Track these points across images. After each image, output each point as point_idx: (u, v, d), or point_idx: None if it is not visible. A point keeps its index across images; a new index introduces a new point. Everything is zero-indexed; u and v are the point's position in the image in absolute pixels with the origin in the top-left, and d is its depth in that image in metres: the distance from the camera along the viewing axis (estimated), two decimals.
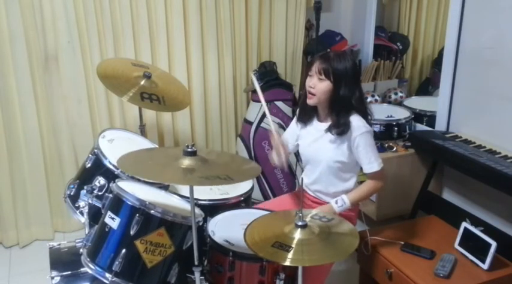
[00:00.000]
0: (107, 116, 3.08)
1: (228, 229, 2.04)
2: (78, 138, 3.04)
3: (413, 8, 3.74)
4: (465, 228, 2.19)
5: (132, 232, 1.79)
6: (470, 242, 2.15)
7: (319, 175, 2.18)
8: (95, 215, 2.10)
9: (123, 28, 2.98)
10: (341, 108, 2.08)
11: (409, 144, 2.97)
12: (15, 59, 2.78)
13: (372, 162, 2.08)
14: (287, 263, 1.57)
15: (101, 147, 2.25)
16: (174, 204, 2.05)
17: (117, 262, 1.78)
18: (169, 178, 1.79)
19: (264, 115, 3.30)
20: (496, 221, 2.60)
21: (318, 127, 2.17)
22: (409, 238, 2.30)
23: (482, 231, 2.12)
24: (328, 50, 3.37)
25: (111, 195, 1.92)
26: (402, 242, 2.25)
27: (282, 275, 1.86)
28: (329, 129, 2.10)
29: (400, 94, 3.56)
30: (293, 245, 1.62)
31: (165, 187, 2.23)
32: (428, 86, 3.67)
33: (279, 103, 3.31)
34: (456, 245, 2.21)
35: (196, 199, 2.15)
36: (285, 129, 3.27)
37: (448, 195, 2.94)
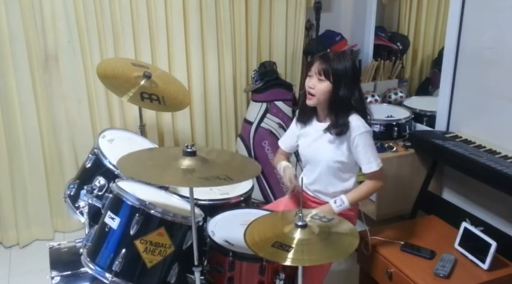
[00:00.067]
0: (107, 116, 3.08)
1: (228, 229, 2.04)
2: (78, 138, 3.04)
3: (413, 8, 3.74)
4: (465, 228, 2.19)
5: (132, 232, 1.79)
6: (470, 242, 2.15)
7: (319, 175, 2.18)
8: (95, 216, 2.10)
9: (123, 28, 2.98)
10: (340, 108, 2.08)
11: (409, 144, 2.97)
12: (15, 59, 2.79)
13: (371, 162, 2.08)
14: (287, 263, 1.57)
15: (101, 147, 2.25)
16: (174, 204, 2.05)
17: (117, 262, 1.78)
18: (169, 180, 1.79)
19: (264, 115, 3.30)
20: (496, 221, 2.60)
21: (317, 128, 2.17)
22: (409, 238, 2.30)
23: (482, 231, 2.12)
24: (328, 50, 3.37)
25: (111, 195, 1.92)
26: (402, 242, 2.25)
27: (282, 275, 1.86)
28: (328, 129, 2.10)
29: (400, 94, 3.56)
30: (293, 245, 1.62)
31: (165, 187, 2.23)
32: (428, 86, 3.67)
33: (279, 103, 3.31)
34: (456, 245, 2.21)
35: (196, 199, 2.15)
36: (284, 129, 3.29)
37: (448, 195, 2.94)
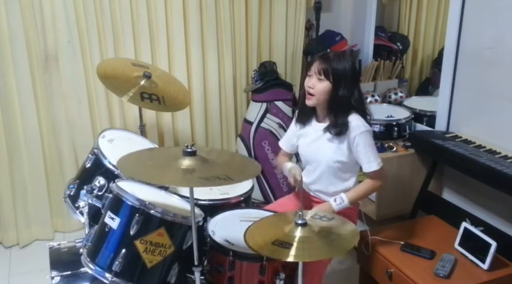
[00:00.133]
0: (107, 116, 3.08)
1: (228, 229, 2.04)
2: (78, 138, 3.04)
3: (413, 8, 3.74)
4: (465, 228, 2.19)
5: (132, 232, 1.79)
6: (470, 242, 2.15)
7: (319, 175, 2.19)
8: (94, 216, 2.10)
9: (123, 28, 2.98)
10: (340, 108, 2.08)
11: (409, 144, 2.97)
12: (15, 59, 2.79)
13: (371, 161, 2.08)
14: (289, 259, 1.57)
15: (101, 147, 2.25)
16: (174, 204, 2.05)
17: (117, 262, 1.78)
18: (169, 180, 1.79)
19: (264, 115, 3.30)
20: (496, 221, 2.60)
21: (317, 128, 2.17)
22: (409, 238, 2.30)
23: (482, 231, 2.12)
24: (328, 50, 3.37)
25: (111, 195, 1.92)
26: (402, 242, 2.25)
27: (282, 275, 1.86)
28: (327, 129, 2.10)
29: (400, 94, 3.56)
30: (294, 243, 1.63)
31: (165, 187, 2.23)
32: (428, 86, 3.67)
33: (279, 103, 3.31)
34: (456, 245, 2.21)
35: (196, 199, 2.15)
36: (285, 129, 3.29)
37: (448, 195, 2.93)
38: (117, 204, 1.85)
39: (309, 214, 1.82)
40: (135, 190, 1.91)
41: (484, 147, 2.53)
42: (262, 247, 1.65)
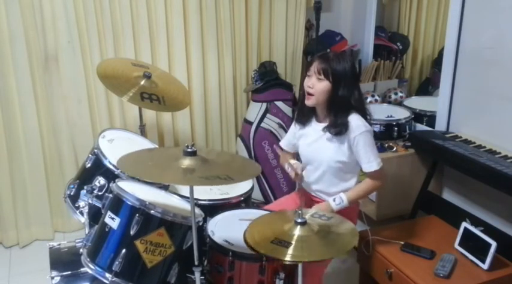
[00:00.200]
0: (107, 116, 3.08)
1: (227, 229, 2.04)
2: (78, 138, 3.04)
3: (413, 8, 3.74)
4: (465, 228, 2.19)
5: (132, 232, 1.79)
6: (470, 242, 2.15)
7: (320, 175, 2.18)
8: (95, 215, 2.10)
9: (123, 28, 2.98)
10: (340, 108, 2.08)
11: (409, 144, 2.97)
12: (15, 59, 2.79)
13: (371, 161, 2.08)
14: (287, 258, 1.57)
15: (101, 147, 2.25)
16: (174, 204, 2.05)
17: (117, 262, 1.78)
18: (169, 179, 1.79)
19: (264, 115, 3.30)
20: (496, 221, 2.60)
21: (317, 128, 2.17)
22: (409, 238, 2.30)
23: (482, 231, 2.12)
24: (328, 50, 3.37)
25: (111, 195, 1.92)
26: (402, 242, 2.25)
27: (282, 275, 1.86)
28: (327, 129, 2.10)
29: (400, 94, 3.56)
30: (292, 242, 1.63)
31: (165, 187, 2.23)
32: (428, 86, 3.67)
33: (279, 103, 3.31)
34: (456, 245, 2.21)
35: (196, 199, 2.15)
36: (284, 129, 3.29)
37: (448, 195, 2.94)
38: (117, 204, 1.86)
39: (308, 213, 1.82)
40: (135, 190, 1.91)
41: (484, 147, 2.53)
42: (261, 245, 1.65)
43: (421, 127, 3.12)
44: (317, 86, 2.07)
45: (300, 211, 1.71)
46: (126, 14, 2.96)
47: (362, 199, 2.26)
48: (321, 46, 3.34)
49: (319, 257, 1.67)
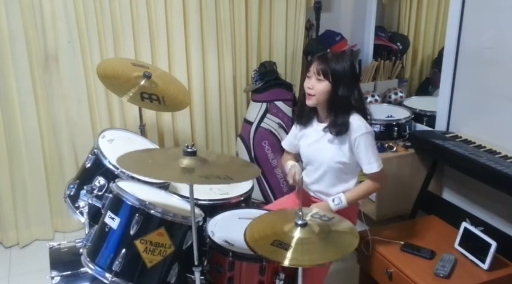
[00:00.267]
0: (107, 116, 3.08)
1: (227, 229, 2.04)
2: (78, 138, 3.04)
3: (413, 8, 3.74)
4: (465, 228, 2.19)
5: (132, 232, 1.79)
6: (470, 242, 2.15)
7: (321, 176, 2.18)
8: (94, 216, 2.10)
9: (123, 28, 2.98)
10: (340, 108, 2.08)
11: (409, 144, 2.97)
12: (15, 59, 2.79)
13: (371, 163, 2.08)
14: (286, 262, 1.57)
15: (101, 147, 2.25)
16: (174, 204, 2.05)
17: (117, 262, 1.78)
18: (168, 176, 1.79)
19: (264, 115, 3.30)
20: (496, 221, 2.60)
21: (318, 129, 2.17)
22: (409, 238, 2.30)
23: (482, 231, 2.12)
24: (328, 50, 3.37)
25: (111, 195, 1.92)
26: (402, 242, 2.25)
27: (282, 275, 1.86)
28: (327, 129, 2.10)
29: (400, 94, 3.56)
30: (292, 244, 1.62)
31: (165, 187, 2.23)
32: (428, 86, 3.67)
33: (279, 103, 3.31)
34: (456, 245, 2.21)
35: (196, 199, 2.15)
36: (284, 129, 3.29)
37: (448, 195, 2.94)
38: (117, 203, 1.85)
39: (309, 214, 1.82)
40: (135, 190, 1.91)
41: (484, 147, 2.53)
42: (261, 246, 1.65)
43: (421, 127, 3.12)
44: (317, 87, 2.07)
45: (300, 213, 1.71)
46: (126, 14, 2.96)
47: (361, 200, 2.26)
48: (321, 46, 3.34)
49: (319, 261, 1.66)
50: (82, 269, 2.02)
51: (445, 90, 2.82)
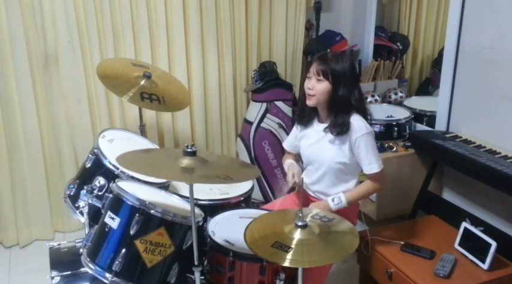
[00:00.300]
0: (107, 116, 3.08)
1: (228, 229, 2.04)
2: (78, 138, 3.04)
3: (413, 8, 3.74)
4: (465, 228, 2.19)
5: (132, 232, 1.79)
6: (470, 242, 2.15)
7: (321, 176, 2.18)
8: (95, 216, 2.10)
9: (123, 28, 2.98)
10: (340, 108, 2.08)
11: (409, 144, 2.97)
12: (15, 59, 2.79)
13: (371, 163, 2.08)
14: (286, 264, 1.57)
15: (101, 147, 2.25)
16: (174, 204, 2.05)
17: (117, 262, 1.78)
18: (168, 175, 1.79)
19: (264, 115, 3.30)
20: (496, 221, 2.60)
21: (318, 129, 2.17)
22: (409, 238, 2.30)
23: (482, 231, 2.12)
24: (328, 50, 3.37)
25: (111, 195, 1.92)
26: (402, 242, 2.25)
27: (282, 276, 1.86)
28: (328, 129, 2.10)
29: (400, 94, 3.56)
30: (292, 246, 1.62)
31: (165, 187, 2.23)
32: (428, 86, 3.67)
33: (279, 103, 3.31)
34: (456, 245, 2.21)
35: (196, 199, 2.15)
36: (284, 129, 3.29)
37: (448, 195, 2.94)
38: (117, 203, 1.85)
39: (309, 215, 1.82)
40: (135, 190, 1.91)
41: (484, 147, 2.53)
42: (261, 248, 1.65)
43: (421, 127, 3.12)
44: (317, 87, 2.06)
45: (300, 214, 1.71)
46: (126, 14, 2.96)
47: (362, 200, 2.26)
48: (321, 46, 3.34)
49: (319, 263, 1.66)
50: (82, 269, 2.01)
51: (445, 90, 2.82)
